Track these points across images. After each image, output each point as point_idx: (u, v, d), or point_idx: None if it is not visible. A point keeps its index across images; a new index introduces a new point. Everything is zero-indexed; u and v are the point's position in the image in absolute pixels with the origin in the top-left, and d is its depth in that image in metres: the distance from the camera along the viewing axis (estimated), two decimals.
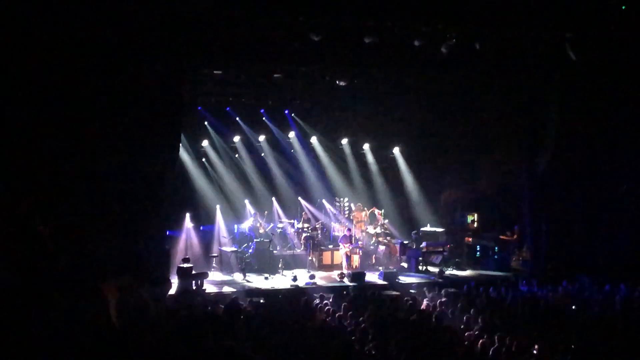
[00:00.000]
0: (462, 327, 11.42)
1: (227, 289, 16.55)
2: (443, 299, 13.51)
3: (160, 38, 13.93)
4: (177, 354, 3.30)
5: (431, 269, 19.92)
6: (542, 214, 19.72)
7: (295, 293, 15.59)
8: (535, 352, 9.38)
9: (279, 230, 20.92)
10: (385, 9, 14.92)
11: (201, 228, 20.28)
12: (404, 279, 18.32)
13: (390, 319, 11.64)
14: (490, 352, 9.56)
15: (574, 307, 13.29)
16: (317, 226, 21.18)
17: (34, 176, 13.10)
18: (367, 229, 21.18)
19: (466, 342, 10.25)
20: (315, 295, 14.73)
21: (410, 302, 13.40)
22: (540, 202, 19.79)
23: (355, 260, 19.47)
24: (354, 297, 14.21)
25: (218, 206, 20.92)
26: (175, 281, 16.11)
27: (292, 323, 11.01)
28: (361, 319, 11.35)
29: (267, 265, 18.99)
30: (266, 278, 17.88)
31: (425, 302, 13.61)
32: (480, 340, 10.07)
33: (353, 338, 10.06)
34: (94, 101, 13.74)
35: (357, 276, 17.67)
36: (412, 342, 9.65)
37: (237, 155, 22.37)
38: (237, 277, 18.25)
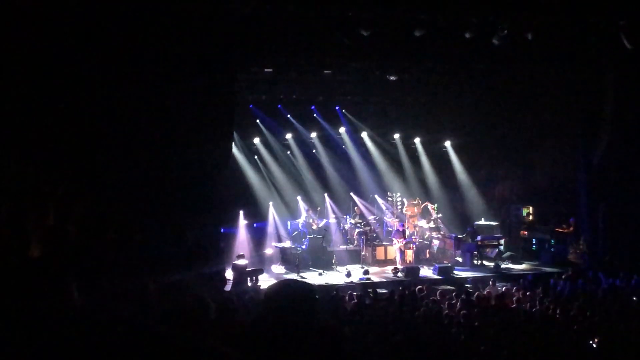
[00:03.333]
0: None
1: None
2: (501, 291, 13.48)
3: (211, 38, 14.07)
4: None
5: (486, 263, 19.73)
6: (598, 205, 19.38)
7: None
8: (594, 345, 9.22)
9: (331, 225, 21.02)
10: (435, 2, 14.83)
11: (255, 225, 20.47)
12: (459, 274, 18.20)
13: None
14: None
15: (634, 298, 13.04)
16: (370, 221, 21.19)
17: (90, 172, 13.39)
18: (420, 223, 21.08)
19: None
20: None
21: (464, 296, 13.28)
22: (597, 193, 19.44)
23: (409, 255, 19.39)
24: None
25: (271, 203, 21.13)
26: (230, 278, 16.33)
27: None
28: (417, 313, 11.32)
29: (320, 261, 19.04)
30: (320, 274, 17.93)
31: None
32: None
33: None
34: (147, 100, 13.96)
35: (411, 271, 17.61)
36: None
37: (289, 152, 22.53)
38: (292, 273, 18.35)
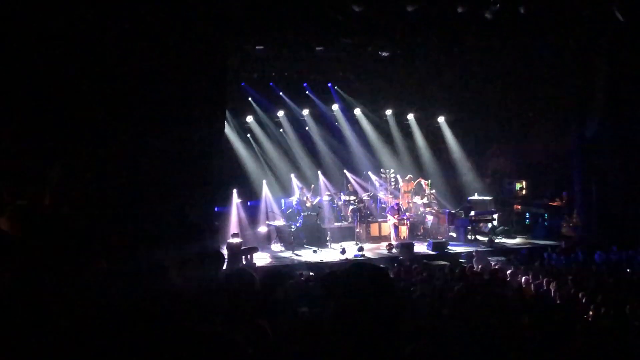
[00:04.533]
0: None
1: (276, 263, 16.67)
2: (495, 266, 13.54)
3: (202, 15, 13.94)
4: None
5: (480, 238, 19.79)
6: (592, 179, 19.40)
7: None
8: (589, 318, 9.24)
9: (325, 203, 21.01)
10: None
11: (249, 203, 20.46)
12: (453, 249, 18.25)
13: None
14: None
15: (628, 270, 13.12)
16: (364, 198, 21.19)
17: (84, 154, 13.31)
18: (414, 199, 21.09)
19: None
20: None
21: (458, 271, 13.30)
22: (590, 167, 19.44)
23: (404, 231, 19.41)
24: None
25: (264, 181, 21.09)
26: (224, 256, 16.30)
27: None
28: (412, 289, 11.35)
29: (315, 238, 19.04)
30: (315, 251, 17.94)
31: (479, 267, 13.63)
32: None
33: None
34: (138, 79, 13.85)
35: (406, 247, 17.63)
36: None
37: (281, 130, 22.44)
38: (286, 251, 18.37)
